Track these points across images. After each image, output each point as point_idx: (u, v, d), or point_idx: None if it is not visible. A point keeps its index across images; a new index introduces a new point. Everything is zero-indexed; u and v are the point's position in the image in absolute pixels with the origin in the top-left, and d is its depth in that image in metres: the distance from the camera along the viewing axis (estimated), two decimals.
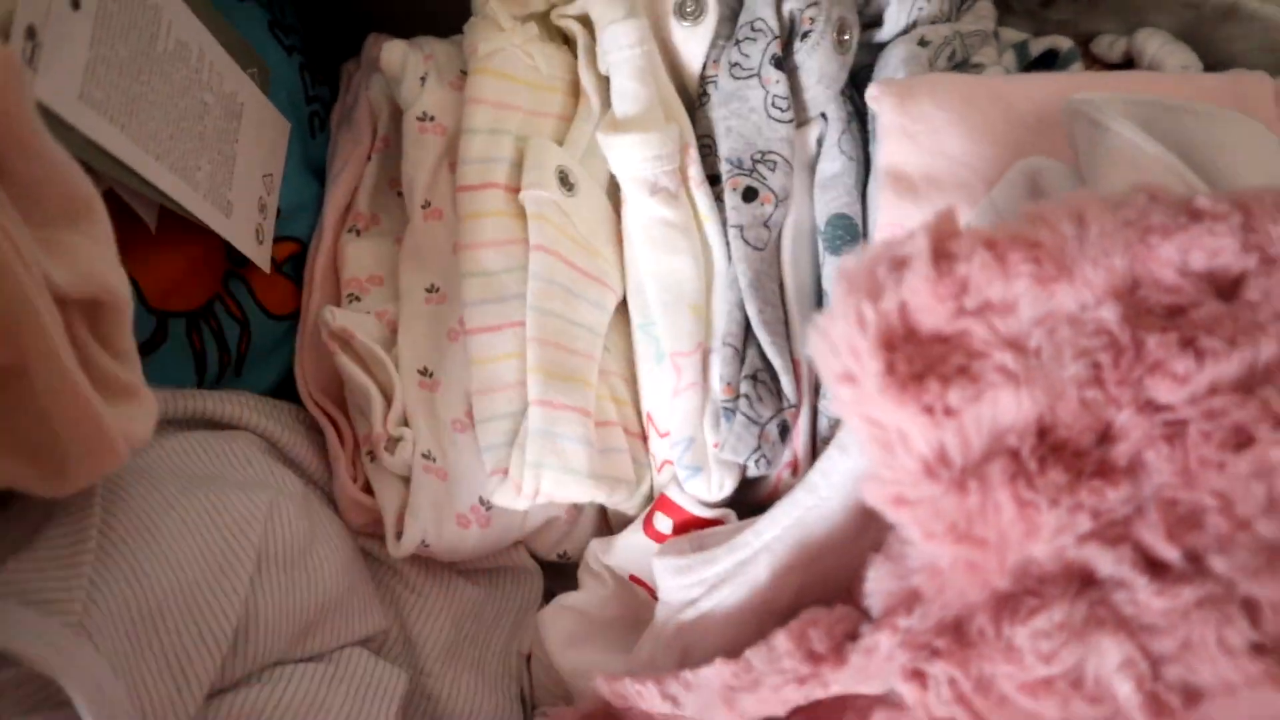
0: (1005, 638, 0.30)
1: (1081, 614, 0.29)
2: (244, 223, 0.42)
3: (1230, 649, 0.27)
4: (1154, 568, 0.29)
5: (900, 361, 0.30)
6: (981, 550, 0.30)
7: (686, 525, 0.43)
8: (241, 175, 0.42)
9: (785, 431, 0.42)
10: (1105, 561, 0.29)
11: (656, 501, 0.44)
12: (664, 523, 0.43)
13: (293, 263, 0.47)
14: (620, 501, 0.45)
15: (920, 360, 0.30)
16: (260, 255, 0.43)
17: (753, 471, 0.42)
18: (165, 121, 0.37)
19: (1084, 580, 0.30)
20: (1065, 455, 0.30)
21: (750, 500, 0.44)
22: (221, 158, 0.41)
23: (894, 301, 0.30)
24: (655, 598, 0.44)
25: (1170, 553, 0.29)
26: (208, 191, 0.40)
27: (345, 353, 0.43)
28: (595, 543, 0.47)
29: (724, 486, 0.42)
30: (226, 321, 0.44)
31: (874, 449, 0.31)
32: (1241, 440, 0.29)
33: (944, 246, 0.30)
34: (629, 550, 0.45)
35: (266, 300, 0.45)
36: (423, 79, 0.46)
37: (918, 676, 0.31)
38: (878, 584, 0.33)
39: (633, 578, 0.45)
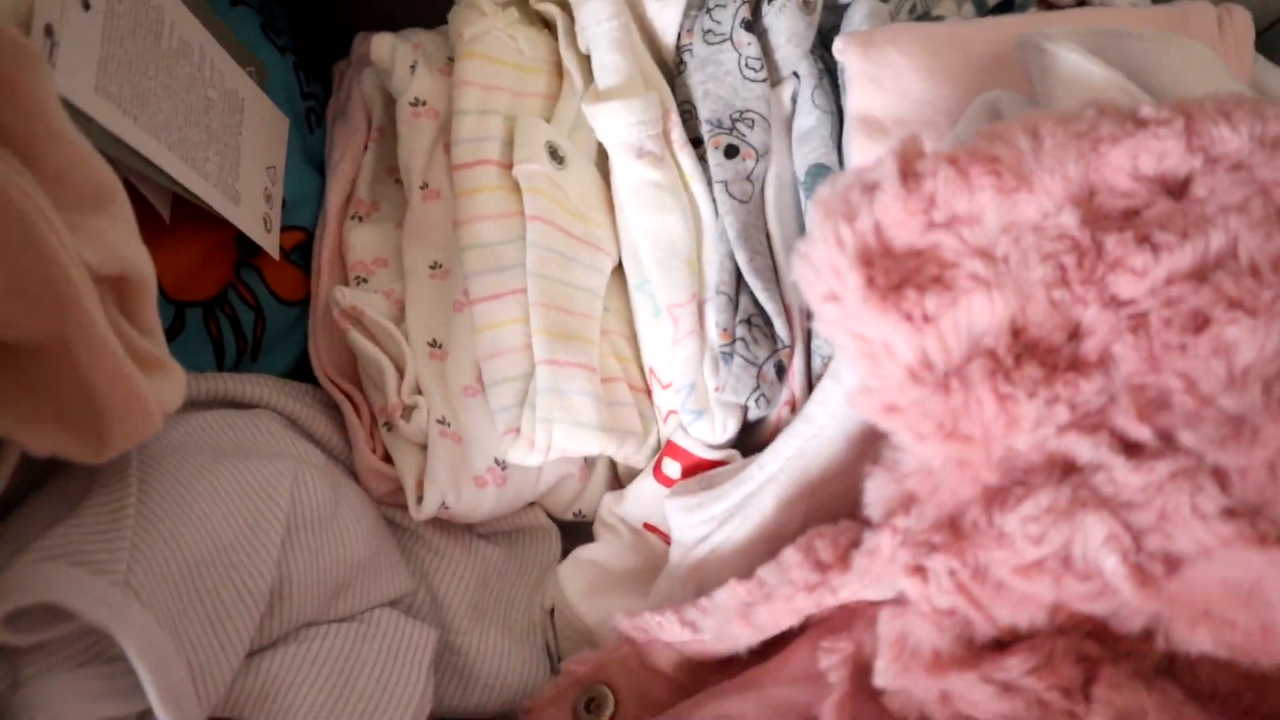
0: (997, 526, 0.32)
1: (1066, 497, 0.31)
2: (252, 211, 0.44)
3: (1204, 515, 0.29)
4: (1129, 449, 0.31)
5: (879, 275, 0.32)
6: (968, 446, 0.32)
7: (694, 468, 0.45)
8: (247, 167, 0.44)
9: (781, 371, 0.44)
10: (1084, 448, 0.31)
11: (664, 448, 0.46)
12: (672, 467, 0.45)
13: (300, 251, 0.49)
14: (630, 455, 0.47)
15: (897, 273, 0.32)
16: (269, 242, 0.46)
17: (754, 412, 0.44)
18: (174, 114, 0.39)
19: (1066, 469, 0.32)
20: (1039, 352, 0.32)
21: (754, 443, 0.46)
22: (227, 150, 0.43)
23: (868, 221, 0.32)
24: (669, 543, 0.46)
25: (1143, 432, 0.31)
26: (217, 181, 0.42)
27: (357, 329, 0.46)
28: (608, 496, 0.49)
29: (727, 428, 0.44)
30: (241, 309, 0.46)
31: (862, 362, 0.33)
32: (1200, 323, 0.31)
33: (911, 167, 0.33)
34: (641, 498, 0.47)
35: (278, 287, 0.48)
36: (412, 67, 0.48)
37: (919, 572, 0.33)
38: (875, 492, 0.35)
39: (647, 526, 0.47)
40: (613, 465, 0.51)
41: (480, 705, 0.46)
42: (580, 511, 0.51)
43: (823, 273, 0.33)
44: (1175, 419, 0.31)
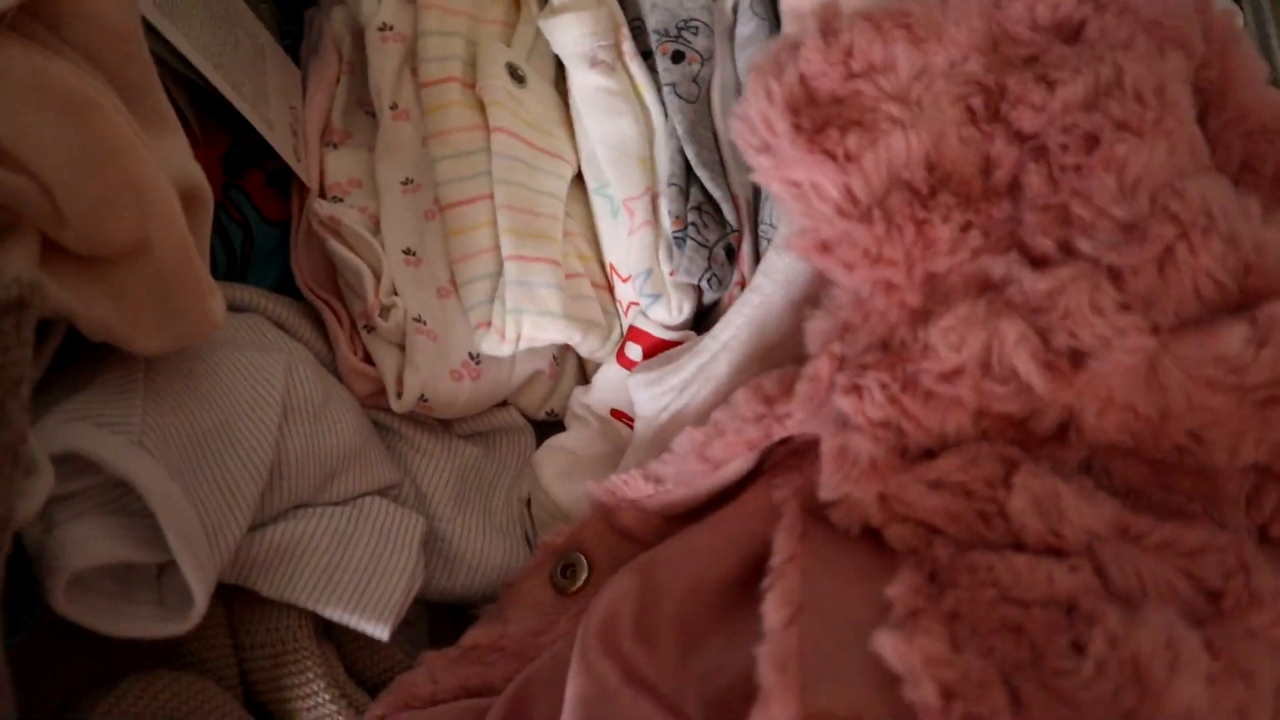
0: (921, 340, 0.35)
1: (982, 309, 0.34)
2: (283, 140, 0.48)
3: (1101, 309, 0.33)
4: (1036, 263, 0.35)
5: (805, 120, 0.36)
6: (893, 269, 0.35)
7: (654, 348, 0.48)
8: (274, 101, 0.48)
9: (731, 254, 0.47)
10: (997, 266, 0.35)
11: (626, 333, 0.49)
12: (634, 350, 0.48)
13: (278, 176, 0.52)
14: (594, 349, 0.50)
15: (821, 118, 0.36)
16: (302, 170, 0.49)
17: (707, 295, 0.48)
18: (214, 41, 0.43)
19: (982, 287, 0.35)
20: (954, 184, 0.36)
21: (710, 327, 0.50)
22: (257, 84, 0.46)
23: (794, 73, 0.36)
24: (633, 429, 0.49)
25: (1046, 245, 0.34)
26: (254, 105, 0.45)
27: (335, 239, 0.49)
28: (577, 389, 0.52)
29: (683, 309, 0.47)
30: (230, 226, 0.49)
31: (795, 205, 0.37)
32: (1092, 145, 0.34)
33: (830, 24, 0.36)
34: (606, 384, 0.50)
35: (263, 207, 0.51)
36: None
37: (854, 390, 0.36)
38: (813, 329, 0.38)
39: (613, 412, 0.50)
40: (581, 366, 0.54)
41: (466, 587, 0.49)
42: (552, 411, 0.54)
43: (756, 125, 0.37)
44: (1074, 231, 0.34)
